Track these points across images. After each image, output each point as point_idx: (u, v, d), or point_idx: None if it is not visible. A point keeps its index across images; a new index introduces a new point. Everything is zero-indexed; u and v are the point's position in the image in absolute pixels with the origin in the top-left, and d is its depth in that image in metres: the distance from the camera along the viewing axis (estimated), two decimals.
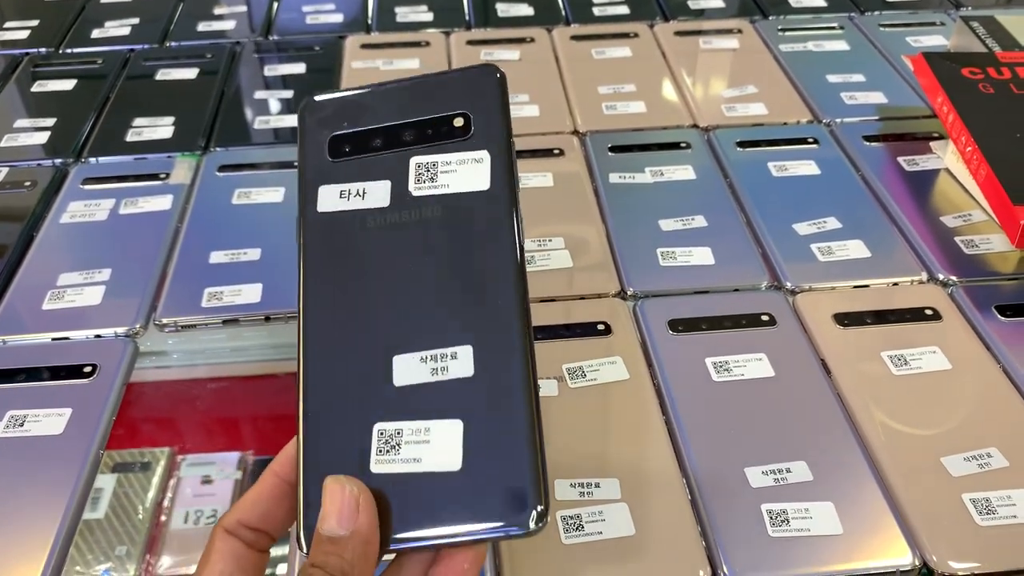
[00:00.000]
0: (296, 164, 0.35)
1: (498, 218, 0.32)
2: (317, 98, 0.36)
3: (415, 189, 0.33)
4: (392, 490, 0.29)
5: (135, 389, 0.54)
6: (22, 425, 0.50)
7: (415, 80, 0.35)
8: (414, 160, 0.34)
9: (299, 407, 0.31)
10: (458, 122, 0.34)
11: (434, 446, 0.29)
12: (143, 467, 0.49)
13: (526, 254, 0.60)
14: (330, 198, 0.34)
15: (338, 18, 0.94)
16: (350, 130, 0.34)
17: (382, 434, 0.30)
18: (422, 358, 0.31)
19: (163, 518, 0.47)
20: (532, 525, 0.28)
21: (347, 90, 0.36)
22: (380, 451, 0.30)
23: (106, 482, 0.48)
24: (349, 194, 0.33)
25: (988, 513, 0.45)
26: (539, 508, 0.28)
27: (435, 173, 0.33)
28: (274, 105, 0.80)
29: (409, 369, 0.31)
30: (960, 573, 0.43)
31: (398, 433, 0.30)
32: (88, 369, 0.54)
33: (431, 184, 0.33)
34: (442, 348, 0.31)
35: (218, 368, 0.56)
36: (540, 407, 0.30)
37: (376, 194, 0.33)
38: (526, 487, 0.29)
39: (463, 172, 0.33)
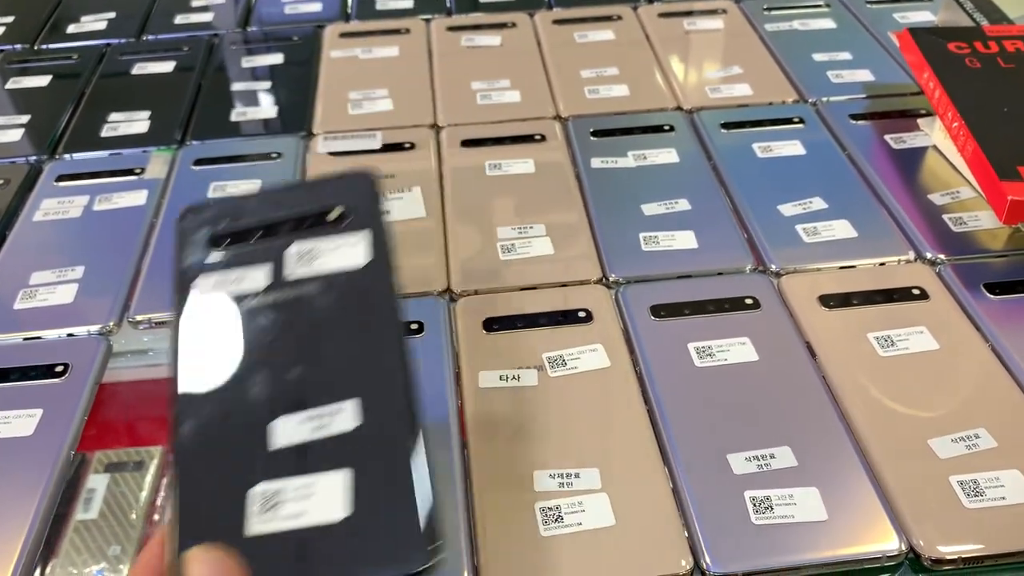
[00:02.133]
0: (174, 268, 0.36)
1: (374, 282, 0.34)
2: (194, 205, 0.38)
3: (293, 272, 0.35)
4: (274, 549, 0.29)
5: (124, 388, 0.53)
6: None
7: (290, 184, 0.40)
8: (293, 247, 0.36)
9: (175, 488, 0.31)
10: (334, 214, 0.36)
11: (318, 499, 0.30)
12: (136, 466, 0.48)
13: (503, 251, 0.60)
14: (207, 286, 0.35)
15: (317, 7, 0.93)
16: (230, 228, 0.37)
17: (262, 495, 0.30)
18: (300, 420, 0.31)
19: (157, 518, 0.46)
20: (425, 563, 0.29)
21: (224, 198, 0.39)
22: (258, 512, 0.30)
23: (99, 482, 0.47)
24: (227, 281, 0.35)
25: (976, 495, 0.44)
26: (432, 546, 0.29)
27: (314, 256, 0.35)
28: (251, 97, 0.79)
29: (288, 430, 0.31)
30: (948, 557, 0.42)
31: (277, 493, 0.30)
32: (60, 369, 0.53)
33: (308, 266, 0.35)
34: (324, 407, 0.31)
35: None
36: (427, 444, 0.31)
37: (254, 278, 0.35)
38: (416, 526, 0.29)
39: (340, 253, 0.35)
